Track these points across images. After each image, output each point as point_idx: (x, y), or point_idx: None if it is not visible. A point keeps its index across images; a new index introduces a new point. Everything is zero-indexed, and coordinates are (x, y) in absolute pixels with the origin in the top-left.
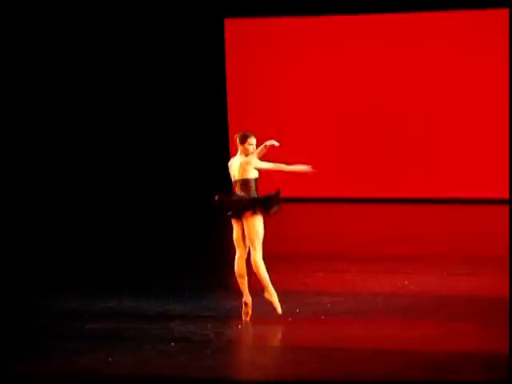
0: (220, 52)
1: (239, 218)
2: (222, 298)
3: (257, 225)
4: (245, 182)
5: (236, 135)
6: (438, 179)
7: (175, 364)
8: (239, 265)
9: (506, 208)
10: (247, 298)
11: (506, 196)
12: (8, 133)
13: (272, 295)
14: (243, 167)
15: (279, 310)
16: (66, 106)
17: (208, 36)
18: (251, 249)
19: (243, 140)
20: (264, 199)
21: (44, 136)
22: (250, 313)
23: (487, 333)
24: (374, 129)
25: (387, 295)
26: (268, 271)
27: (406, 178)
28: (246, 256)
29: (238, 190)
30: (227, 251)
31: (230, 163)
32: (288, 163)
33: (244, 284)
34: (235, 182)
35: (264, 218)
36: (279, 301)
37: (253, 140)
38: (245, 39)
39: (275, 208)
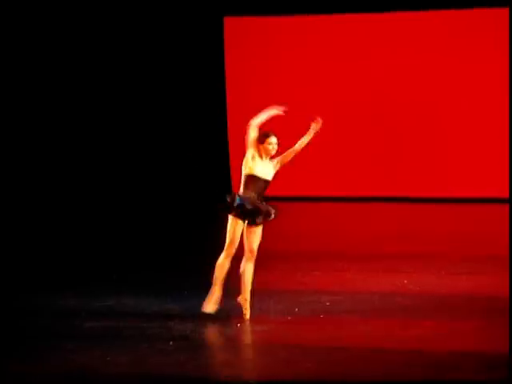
0: (219, 50)
1: (253, 223)
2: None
3: (261, 232)
4: (267, 185)
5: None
6: (438, 178)
7: (173, 362)
8: (226, 266)
9: (506, 207)
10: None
11: (506, 195)
12: (7, 132)
13: (247, 300)
14: (276, 170)
15: (248, 316)
16: (64, 106)
17: (207, 34)
18: (250, 255)
19: (262, 139)
20: (269, 208)
21: (42, 136)
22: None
23: (487, 332)
24: (373, 127)
25: (386, 294)
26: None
27: (405, 176)
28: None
29: (253, 189)
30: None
31: (250, 160)
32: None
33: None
34: (264, 181)
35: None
36: (276, 300)
37: (273, 139)
38: (244, 37)
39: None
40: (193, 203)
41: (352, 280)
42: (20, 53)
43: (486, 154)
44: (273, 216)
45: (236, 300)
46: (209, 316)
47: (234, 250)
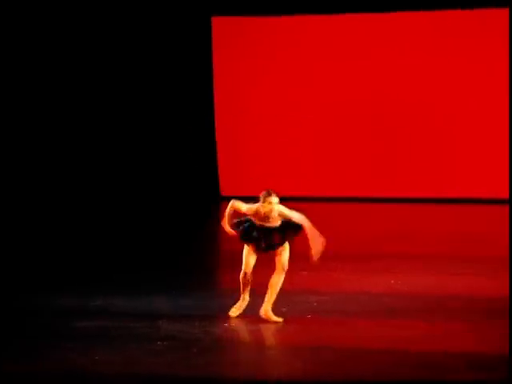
0: (207, 50)
1: (273, 249)
2: (209, 297)
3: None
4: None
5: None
6: (438, 178)
7: (162, 362)
8: (248, 278)
9: (506, 208)
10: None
11: (506, 196)
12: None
13: (269, 310)
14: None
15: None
16: (52, 107)
17: (195, 34)
18: (281, 270)
19: (263, 200)
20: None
21: (31, 137)
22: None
23: (487, 333)
24: (371, 128)
25: (377, 294)
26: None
27: (405, 177)
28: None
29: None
30: (215, 250)
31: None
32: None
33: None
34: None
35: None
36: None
37: (274, 199)
38: (232, 37)
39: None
40: (181, 203)
41: (341, 280)
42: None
43: (486, 155)
44: (299, 230)
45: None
46: (195, 316)
47: (248, 271)
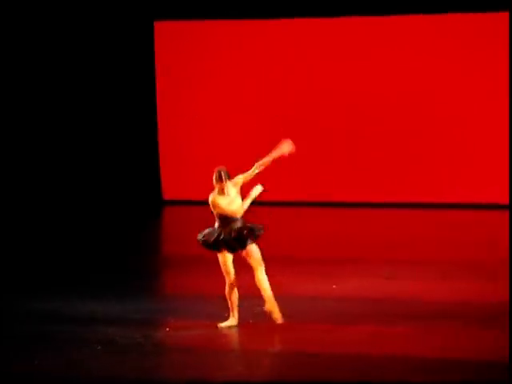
0: (150, 54)
1: (243, 247)
2: (150, 301)
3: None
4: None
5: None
6: (437, 183)
7: (102, 367)
8: (235, 293)
9: (506, 213)
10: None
11: (507, 201)
12: None
13: (273, 305)
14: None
15: (280, 319)
16: None
17: (137, 38)
18: (259, 266)
19: (217, 180)
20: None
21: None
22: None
23: (487, 334)
24: (369, 131)
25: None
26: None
27: (404, 182)
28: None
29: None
30: (157, 254)
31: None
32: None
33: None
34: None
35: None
36: (206, 304)
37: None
38: (175, 42)
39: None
40: (123, 207)
41: (291, 284)
42: None
43: (486, 160)
44: (261, 231)
45: (263, 309)
46: (137, 320)
47: (233, 278)
